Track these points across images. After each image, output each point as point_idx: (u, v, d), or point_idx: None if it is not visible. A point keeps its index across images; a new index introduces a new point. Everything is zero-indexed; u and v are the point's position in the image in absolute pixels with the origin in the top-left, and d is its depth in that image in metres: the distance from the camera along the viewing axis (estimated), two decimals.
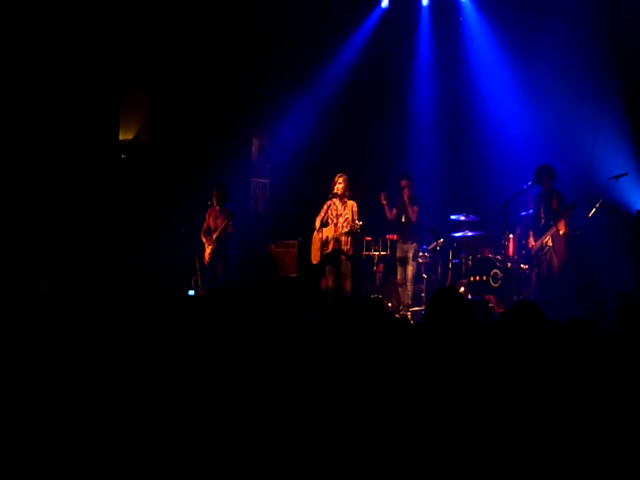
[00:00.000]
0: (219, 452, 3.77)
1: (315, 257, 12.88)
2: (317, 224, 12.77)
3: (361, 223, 12.46)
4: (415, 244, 13.64)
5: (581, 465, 3.67)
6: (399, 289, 13.85)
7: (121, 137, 15.02)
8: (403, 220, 13.62)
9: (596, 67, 13.89)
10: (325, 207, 12.76)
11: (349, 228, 12.47)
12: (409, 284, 13.65)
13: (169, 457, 3.80)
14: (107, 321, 4.94)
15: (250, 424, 3.83)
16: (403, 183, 13.61)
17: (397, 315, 13.18)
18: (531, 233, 12.65)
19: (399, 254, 13.77)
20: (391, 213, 13.66)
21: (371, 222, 13.95)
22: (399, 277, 13.82)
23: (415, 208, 13.61)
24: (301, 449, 3.74)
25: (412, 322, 11.88)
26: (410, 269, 13.63)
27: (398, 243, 13.77)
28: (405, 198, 13.65)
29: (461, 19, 15.84)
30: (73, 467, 3.80)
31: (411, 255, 13.61)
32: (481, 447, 3.68)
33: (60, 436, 3.91)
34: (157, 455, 3.81)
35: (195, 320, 4.86)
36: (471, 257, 13.70)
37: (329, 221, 12.71)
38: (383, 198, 13.55)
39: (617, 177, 12.56)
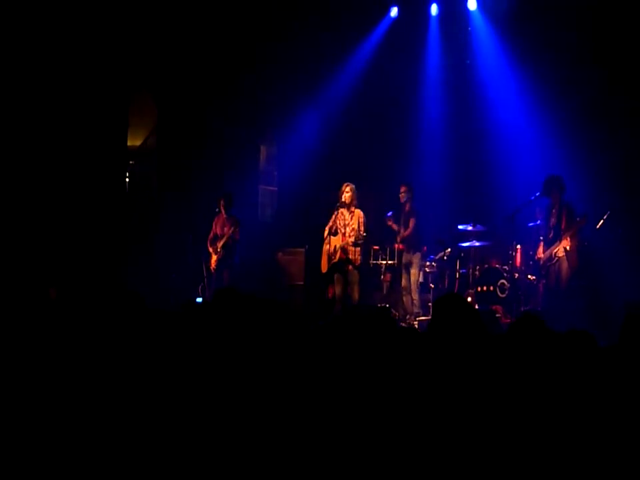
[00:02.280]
0: (221, 459, 3.77)
1: (324, 266, 12.92)
2: (326, 234, 12.82)
3: (365, 234, 12.51)
4: (418, 253, 13.70)
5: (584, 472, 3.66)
6: (403, 297, 13.89)
7: (129, 143, 15.05)
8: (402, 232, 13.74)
9: (605, 76, 13.88)
10: (333, 216, 12.80)
11: (354, 238, 12.52)
12: (412, 293, 13.71)
13: (173, 460, 3.80)
14: (112, 326, 4.93)
15: (255, 432, 3.82)
16: (402, 189, 13.72)
17: (403, 324, 13.18)
18: (541, 243, 12.60)
19: (403, 260, 13.86)
20: (401, 229, 13.75)
21: (379, 231, 13.98)
22: (403, 284, 13.88)
23: (412, 220, 13.69)
24: (307, 458, 3.73)
25: (419, 331, 11.86)
26: (413, 277, 13.68)
27: (403, 252, 13.85)
28: (406, 207, 13.75)
29: (469, 28, 15.84)
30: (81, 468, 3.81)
31: (414, 262, 13.67)
32: (485, 456, 3.67)
33: (63, 437, 3.91)
34: (161, 457, 3.80)
35: (201, 326, 4.85)
36: (478, 267, 13.68)
37: (338, 230, 12.75)
38: (388, 221, 13.71)
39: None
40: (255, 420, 3.86)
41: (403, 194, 13.80)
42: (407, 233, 13.72)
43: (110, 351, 4.50)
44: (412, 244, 13.77)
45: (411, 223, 13.72)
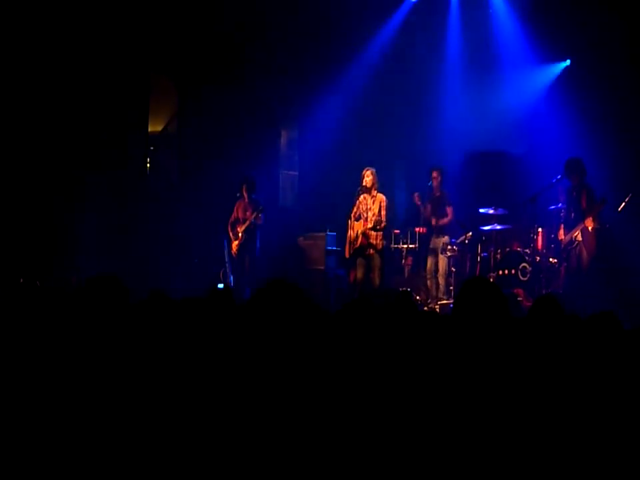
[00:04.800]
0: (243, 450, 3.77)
1: (347, 252, 12.95)
2: (350, 219, 12.84)
3: (385, 221, 12.50)
4: (446, 237, 13.67)
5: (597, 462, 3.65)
6: (427, 281, 13.87)
7: (150, 129, 15.08)
8: (434, 222, 13.71)
9: (628, 57, 13.81)
10: (357, 201, 12.81)
11: (372, 223, 12.53)
12: (440, 277, 13.69)
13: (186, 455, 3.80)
14: (133, 312, 4.94)
15: (272, 417, 3.82)
16: (434, 174, 13.69)
17: (425, 308, 13.18)
18: (562, 226, 12.57)
19: (431, 245, 13.83)
20: (425, 211, 13.74)
21: (400, 215, 13.97)
22: (427, 268, 13.86)
23: (450, 207, 13.68)
24: (327, 441, 3.74)
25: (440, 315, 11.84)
26: (441, 262, 13.66)
27: (432, 236, 13.83)
28: (436, 192, 13.73)
29: (490, 11, 15.77)
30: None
31: (440, 247, 13.65)
32: (505, 440, 3.67)
33: (73, 421, 3.92)
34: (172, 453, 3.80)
35: (221, 313, 4.86)
36: (499, 251, 13.65)
37: (361, 215, 12.76)
38: (416, 199, 13.66)
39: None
40: (274, 406, 3.86)
41: (435, 179, 13.76)
42: (446, 220, 13.70)
43: (128, 338, 4.51)
44: (442, 227, 13.76)
45: (449, 210, 13.72)
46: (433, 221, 13.74)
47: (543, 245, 13.35)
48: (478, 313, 4.21)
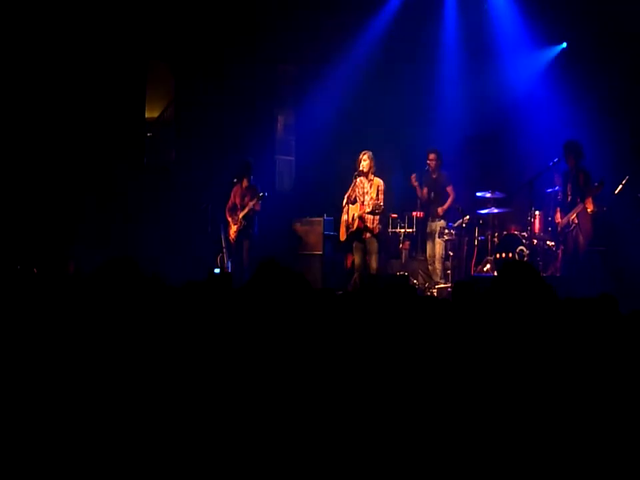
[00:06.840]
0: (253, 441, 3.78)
1: (342, 235, 12.94)
2: (344, 202, 12.81)
3: (382, 204, 12.47)
4: (442, 220, 13.68)
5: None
6: (429, 267, 13.89)
7: (146, 115, 15.06)
8: (432, 196, 13.71)
9: (627, 40, 13.80)
10: (352, 184, 12.79)
11: (371, 207, 12.51)
12: (437, 261, 13.70)
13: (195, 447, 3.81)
14: (130, 298, 4.94)
15: (273, 406, 3.83)
16: (431, 156, 13.69)
17: (427, 293, 13.21)
18: (558, 209, 12.59)
19: (428, 230, 13.86)
20: (422, 193, 13.76)
21: (398, 199, 13.97)
22: (428, 253, 13.88)
23: (450, 186, 13.70)
24: (329, 428, 3.75)
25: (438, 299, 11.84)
26: (438, 246, 13.67)
27: (428, 220, 13.85)
28: (433, 175, 13.73)
29: None
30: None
31: (437, 231, 13.66)
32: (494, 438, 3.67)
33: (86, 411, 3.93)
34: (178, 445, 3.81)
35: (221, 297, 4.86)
36: (496, 234, 13.66)
37: (357, 199, 12.74)
38: (413, 179, 13.69)
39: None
40: (274, 391, 3.87)
41: (431, 161, 13.76)
42: (449, 202, 13.71)
43: (127, 325, 4.50)
44: (445, 213, 13.78)
45: (450, 189, 13.74)
46: (439, 211, 13.73)
47: (540, 228, 13.36)
48: (519, 296, 4.17)
